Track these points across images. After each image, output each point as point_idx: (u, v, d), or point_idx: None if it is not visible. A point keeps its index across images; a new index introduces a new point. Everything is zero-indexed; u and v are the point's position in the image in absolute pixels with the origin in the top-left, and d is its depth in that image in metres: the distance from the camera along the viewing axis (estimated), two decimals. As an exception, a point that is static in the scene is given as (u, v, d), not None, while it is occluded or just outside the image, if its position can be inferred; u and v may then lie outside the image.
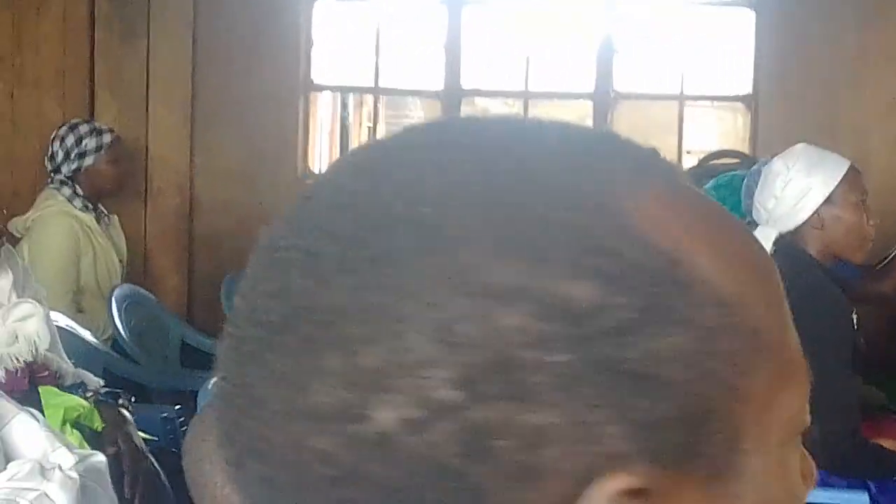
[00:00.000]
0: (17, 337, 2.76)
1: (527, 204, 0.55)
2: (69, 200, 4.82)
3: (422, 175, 0.56)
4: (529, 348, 0.52)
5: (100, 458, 2.46)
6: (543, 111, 6.21)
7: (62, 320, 3.68)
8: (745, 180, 3.63)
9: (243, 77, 5.82)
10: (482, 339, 0.52)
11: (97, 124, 5.05)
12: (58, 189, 4.85)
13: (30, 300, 2.85)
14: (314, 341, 0.54)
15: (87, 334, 4.04)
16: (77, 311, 4.57)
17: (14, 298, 2.84)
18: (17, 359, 2.75)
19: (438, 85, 5.92)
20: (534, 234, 0.54)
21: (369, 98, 6.80)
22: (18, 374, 2.76)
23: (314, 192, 0.60)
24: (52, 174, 4.91)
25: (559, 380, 0.52)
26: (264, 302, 0.57)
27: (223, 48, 5.82)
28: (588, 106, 5.88)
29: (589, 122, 5.81)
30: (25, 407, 2.31)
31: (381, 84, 6.21)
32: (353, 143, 6.47)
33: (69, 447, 2.40)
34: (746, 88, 5.76)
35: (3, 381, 2.61)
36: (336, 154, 6.36)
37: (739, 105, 6.05)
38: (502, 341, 0.52)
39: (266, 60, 5.82)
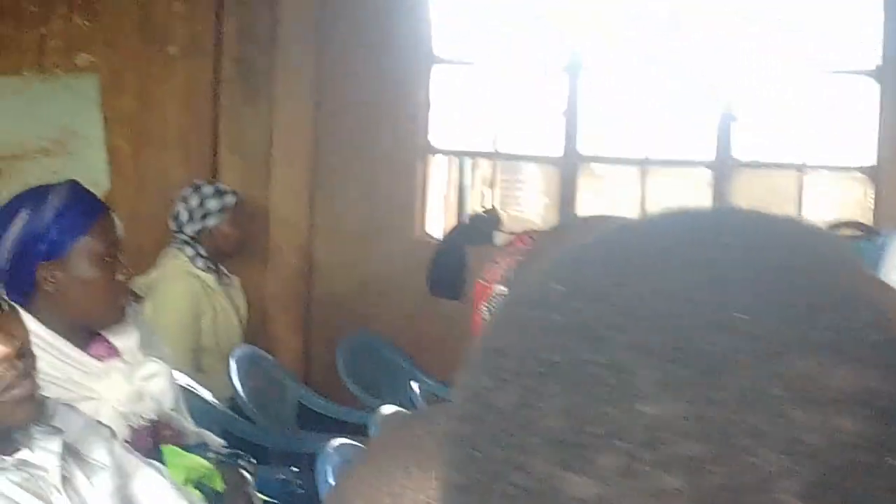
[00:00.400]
0: (142, 395, 2.79)
1: (843, 308, 0.54)
2: (192, 260, 4.88)
3: (722, 279, 0.55)
4: (870, 452, 0.51)
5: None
6: (661, 179, 6.18)
7: (184, 380, 3.71)
8: (868, 253, 3.56)
9: (363, 140, 5.88)
10: (827, 446, 0.51)
11: (220, 185, 5.12)
12: (181, 249, 4.92)
13: (155, 359, 2.88)
14: (638, 462, 0.52)
15: (207, 394, 4.07)
16: (197, 371, 4.61)
17: (140, 357, 2.88)
18: (143, 417, 2.78)
19: (557, 150, 5.92)
20: (860, 338, 0.53)
21: (485, 162, 6.81)
22: (143, 433, 2.79)
23: (585, 296, 0.57)
24: (175, 234, 4.98)
25: None
26: (556, 422, 0.54)
27: (344, 111, 5.88)
28: (707, 174, 5.84)
29: (708, 191, 5.78)
30: (151, 461, 2.34)
31: (499, 149, 6.23)
32: (469, 208, 6.47)
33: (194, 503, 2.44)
34: (869, 159, 5.67)
35: (129, 439, 2.63)
36: (451, 218, 6.36)
37: (862, 176, 5.96)
38: (845, 447, 0.51)
39: (386, 124, 5.87)
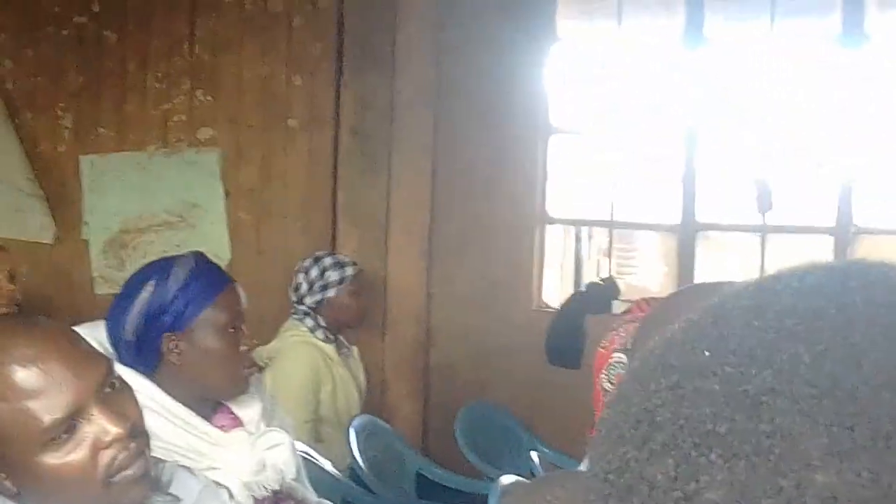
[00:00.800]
0: (265, 465, 2.80)
1: None
2: (311, 331, 4.91)
3: (886, 338, 0.53)
4: None
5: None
6: (781, 245, 6.10)
7: (303, 450, 3.73)
8: None
9: (480, 209, 5.90)
10: None
11: (340, 257, 5.16)
12: (301, 320, 4.95)
13: (277, 429, 2.90)
14: None
15: (327, 464, 4.09)
16: (316, 441, 4.63)
17: (262, 427, 2.90)
18: (265, 487, 2.79)
19: (674, 218, 5.88)
20: None
21: (600, 231, 6.79)
22: (265, 503, 2.81)
23: (738, 362, 0.55)
24: (295, 304, 5.02)
25: None
26: (719, 495, 0.52)
27: (461, 181, 5.92)
28: (828, 241, 5.75)
29: (828, 258, 5.68)
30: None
31: (616, 217, 6.21)
32: (585, 276, 6.46)
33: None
34: None
35: (251, 509, 2.65)
36: (568, 287, 6.35)
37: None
38: None
39: (502, 193, 5.90)
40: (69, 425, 1.76)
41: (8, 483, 1.81)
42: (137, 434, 1.84)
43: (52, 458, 1.76)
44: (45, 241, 6.05)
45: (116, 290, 5.62)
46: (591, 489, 0.57)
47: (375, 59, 5.93)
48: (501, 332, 5.82)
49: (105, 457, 1.78)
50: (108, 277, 6.06)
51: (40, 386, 1.75)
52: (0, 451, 1.78)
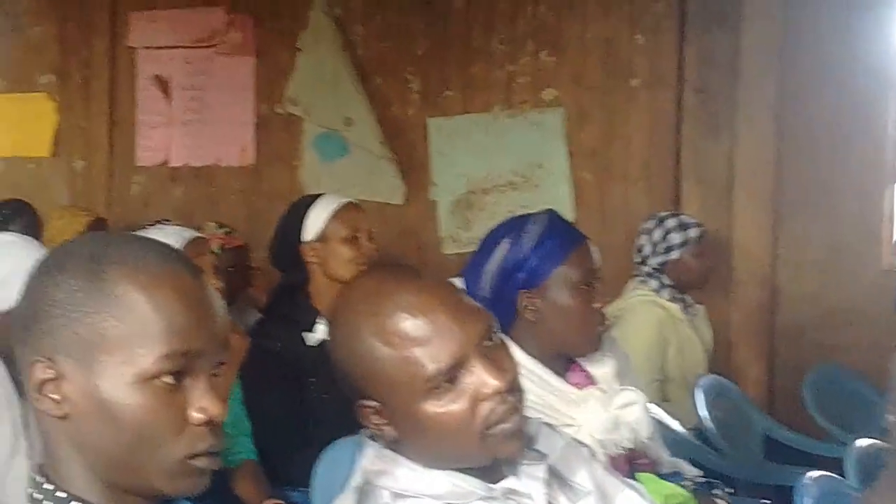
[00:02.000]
0: (618, 424, 2.81)
1: None
2: (656, 292, 4.89)
3: None
4: None
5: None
6: None
7: (653, 409, 3.73)
8: None
9: (826, 168, 5.75)
10: None
11: (683, 218, 5.10)
12: (645, 281, 4.94)
13: (631, 388, 2.90)
14: None
15: (675, 424, 4.07)
16: (662, 401, 4.61)
17: (616, 386, 2.90)
18: (618, 446, 2.81)
19: None
20: None
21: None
22: (620, 461, 2.82)
23: None
24: (638, 265, 5.01)
25: None
26: None
27: (807, 139, 5.78)
28: None
29: None
30: (631, 482, 2.33)
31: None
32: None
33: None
34: None
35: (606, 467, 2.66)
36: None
37: None
38: None
39: (850, 151, 5.73)
40: (451, 375, 1.80)
41: (389, 429, 1.88)
42: (515, 389, 1.88)
43: (434, 407, 1.81)
44: (395, 203, 6.24)
45: (463, 249, 5.85)
46: None
47: (719, 16, 5.84)
48: (849, 293, 5.67)
49: (484, 408, 1.81)
50: (455, 237, 6.20)
51: (427, 334, 1.80)
52: (384, 398, 1.85)
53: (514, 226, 2.87)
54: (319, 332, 3.68)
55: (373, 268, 2.67)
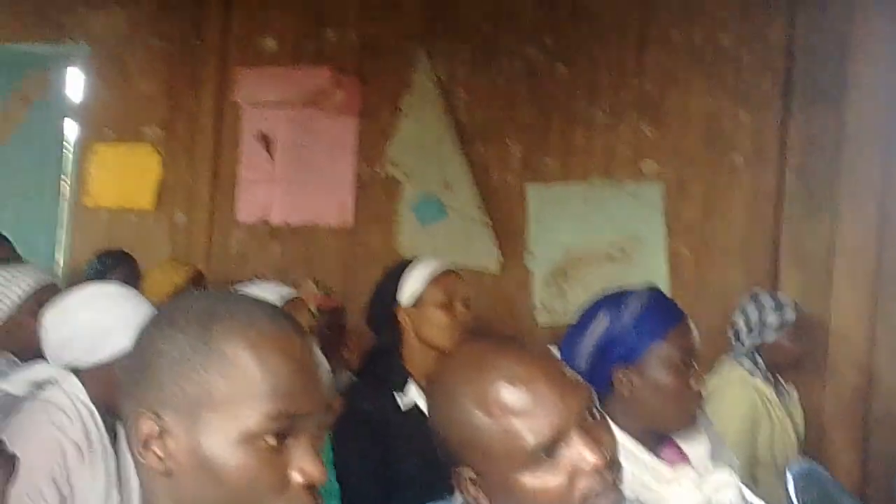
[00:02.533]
0: (711, 505, 2.76)
1: None
2: (750, 372, 4.83)
3: None
4: None
5: None
6: None
7: (746, 492, 3.66)
8: None
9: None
10: None
11: (781, 298, 5.05)
12: (738, 360, 4.89)
13: (726, 469, 2.86)
14: None
15: (766, 507, 4.00)
16: (752, 483, 4.54)
17: (709, 466, 2.86)
18: (708, 526, 2.76)
19: None
20: None
21: None
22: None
23: None
24: (733, 343, 4.95)
25: None
26: None
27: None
28: None
29: None
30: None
31: None
32: None
33: None
34: None
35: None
36: None
37: None
38: None
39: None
40: (551, 448, 1.79)
41: (483, 497, 1.86)
42: (613, 465, 1.86)
43: (531, 479, 1.79)
44: (491, 270, 6.23)
45: (557, 321, 5.80)
46: None
47: (823, 95, 5.79)
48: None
49: (582, 484, 1.79)
50: (549, 307, 6.17)
51: (528, 406, 1.78)
52: (480, 466, 1.83)
53: (614, 299, 2.85)
54: (411, 394, 3.68)
55: (476, 335, 2.66)
